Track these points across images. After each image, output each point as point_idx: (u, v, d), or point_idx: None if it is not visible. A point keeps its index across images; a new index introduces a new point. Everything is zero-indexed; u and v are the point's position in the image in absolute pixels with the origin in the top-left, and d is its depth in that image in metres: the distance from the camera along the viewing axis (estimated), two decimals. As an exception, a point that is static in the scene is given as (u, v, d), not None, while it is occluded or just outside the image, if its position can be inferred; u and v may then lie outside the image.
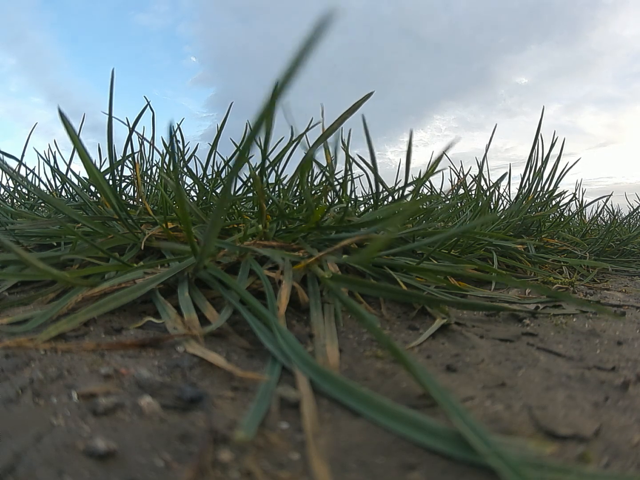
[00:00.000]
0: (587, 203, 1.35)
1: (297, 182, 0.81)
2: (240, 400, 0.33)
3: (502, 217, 0.95)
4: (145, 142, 1.01)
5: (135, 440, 0.27)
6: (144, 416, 0.30)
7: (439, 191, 1.14)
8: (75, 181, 0.92)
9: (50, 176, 1.13)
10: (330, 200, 0.83)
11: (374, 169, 0.66)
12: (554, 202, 1.13)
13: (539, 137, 1.02)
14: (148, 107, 0.88)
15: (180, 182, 0.92)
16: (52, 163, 1.01)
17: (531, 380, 0.38)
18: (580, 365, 0.42)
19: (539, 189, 1.06)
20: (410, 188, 0.81)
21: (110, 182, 0.97)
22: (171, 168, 0.87)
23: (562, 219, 1.21)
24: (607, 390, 0.37)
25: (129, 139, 0.76)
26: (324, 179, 0.85)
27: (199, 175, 0.97)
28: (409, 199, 0.81)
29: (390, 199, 0.83)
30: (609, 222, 1.46)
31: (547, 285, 0.78)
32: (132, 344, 0.44)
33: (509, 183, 1.15)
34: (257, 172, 0.67)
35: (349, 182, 0.88)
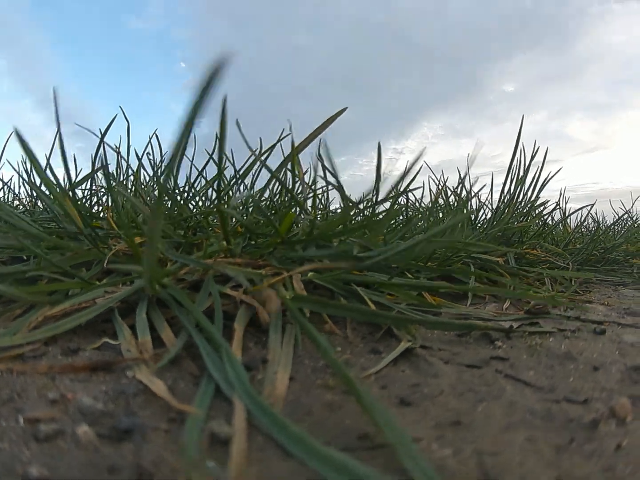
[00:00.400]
0: (570, 212, 1.30)
1: (267, 197, 0.77)
2: (174, 432, 0.32)
3: (482, 228, 0.91)
4: (127, 150, 0.97)
5: (67, 469, 0.26)
6: (80, 445, 0.29)
7: (417, 201, 1.10)
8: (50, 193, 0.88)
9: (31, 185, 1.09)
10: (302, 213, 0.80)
11: (339, 187, 0.62)
12: (536, 212, 1.09)
13: (521, 146, 0.99)
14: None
15: (154, 192, 0.88)
16: (27, 174, 0.98)
17: (491, 417, 0.34)
18: (549, 397, 0.38)
19: (520, 198, 1.02)
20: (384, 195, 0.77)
21: (82, 195, 0.93)
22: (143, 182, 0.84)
23: (546, 228, 1.16)
24: (573, 430, 0.32)
25: (99, 148, 0.73)
26: (299, 190, 0.81)
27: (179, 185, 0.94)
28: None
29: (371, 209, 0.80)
30: (593, 230, 1.42)
31: (528, 303, 0.74)
32: (84, 367, 0.42)
33: (491, 191, 1.11)
34: (218, 186, 0.63)
35: (325, 194, 0.85)
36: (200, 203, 0.92)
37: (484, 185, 1.04)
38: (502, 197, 1.00)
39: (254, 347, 0.53)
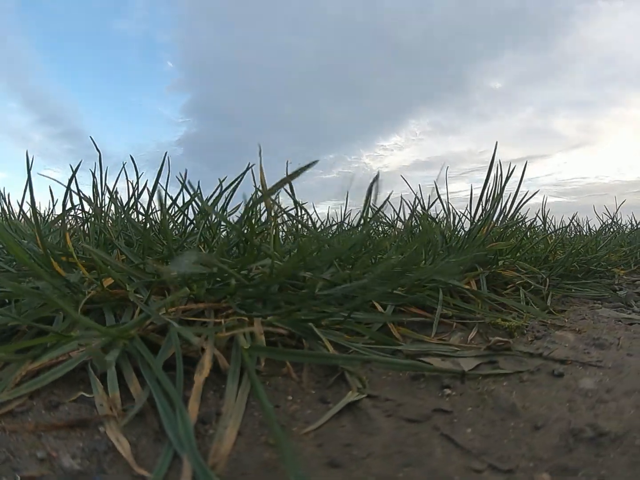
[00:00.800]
0: (553, 230, 1.24)
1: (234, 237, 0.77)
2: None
3: (457, 246, 0.88)
4: (100, 179, 0.96)
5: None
6: (65, 501, 0.32)
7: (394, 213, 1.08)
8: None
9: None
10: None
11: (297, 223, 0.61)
12: (512, 229, 1.05)
13: (496, 169, 0.93)
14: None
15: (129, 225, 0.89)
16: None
17: (409, 489, 0.34)
18: (473, 465, 0.38)
19: (496, 217, 0.98)
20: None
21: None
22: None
23: (525, 239, 1.11)
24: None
25: (67, 194, 0.73)
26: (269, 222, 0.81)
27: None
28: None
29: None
30: (574, 241, 1.36)
31: (496, 328, 0.72)
32: (64, 425, 0.46)
33: (470, 201, 1.06)
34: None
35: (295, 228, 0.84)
36: (175, 231, 0.92)
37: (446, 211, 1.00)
38: (474, 220, 0.96)
39: (213, 396, 0.55)
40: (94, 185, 0.88)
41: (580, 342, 0.69)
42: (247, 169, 0.78)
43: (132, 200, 0.94)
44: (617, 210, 1.56)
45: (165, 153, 0.88)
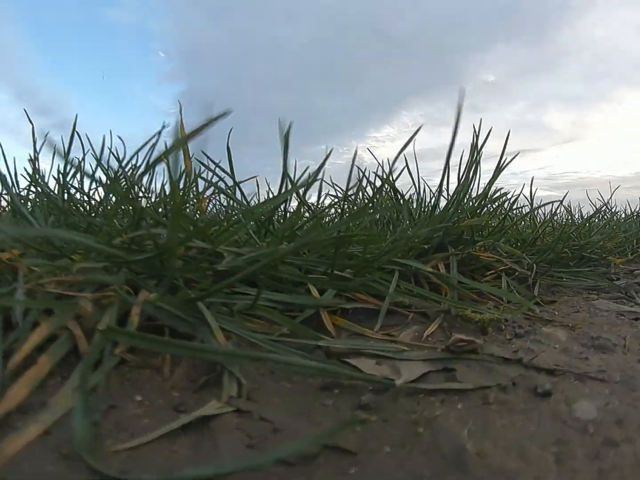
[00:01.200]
0: (539, 205, 1.01)
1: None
2: None
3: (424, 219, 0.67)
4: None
5: None
6: None
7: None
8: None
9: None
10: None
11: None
12: (493, 206, 0.83)
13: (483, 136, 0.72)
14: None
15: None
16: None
17: None
18: None
19: (469, 188, 0.76)
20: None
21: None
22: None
23: (508, 221, 0.88)
24: None
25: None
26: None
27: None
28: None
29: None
30: (564, 223, 1.12)
31: (466, 322, 0.52)
32: None
33: (447, 183, 0.83)
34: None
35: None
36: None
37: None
38: (441, 189, 0.74)
39: (59, 383, 0.38)
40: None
41: (574, 342, 0.47)
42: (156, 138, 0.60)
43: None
44: (611, 196, 1.31)
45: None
